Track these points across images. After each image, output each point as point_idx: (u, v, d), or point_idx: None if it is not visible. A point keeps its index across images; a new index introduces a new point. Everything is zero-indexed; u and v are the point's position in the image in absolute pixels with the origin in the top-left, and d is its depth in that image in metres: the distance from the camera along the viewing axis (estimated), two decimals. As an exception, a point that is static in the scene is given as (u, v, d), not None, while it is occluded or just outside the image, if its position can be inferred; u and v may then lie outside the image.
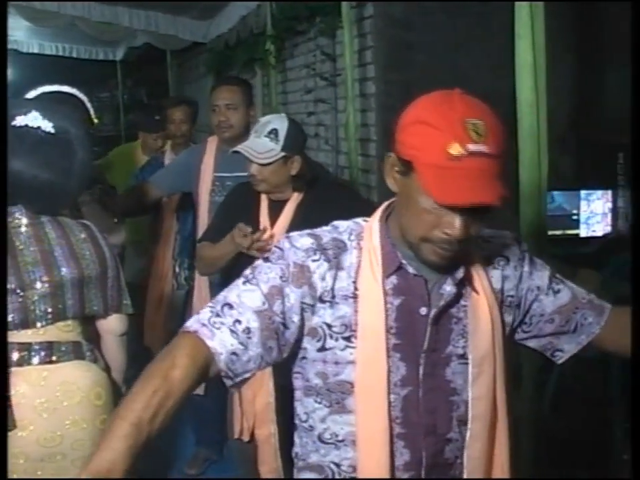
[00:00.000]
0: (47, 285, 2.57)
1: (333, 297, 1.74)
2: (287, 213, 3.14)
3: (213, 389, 3.99)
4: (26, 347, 2.55)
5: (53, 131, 2.62)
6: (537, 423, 2.93)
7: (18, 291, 2.53)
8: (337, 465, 1.81)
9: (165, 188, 4.24)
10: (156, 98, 12.14)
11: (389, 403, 1.73)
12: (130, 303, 2.81)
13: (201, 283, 3.96)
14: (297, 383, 1.86)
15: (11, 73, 10.63)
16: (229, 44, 8.24)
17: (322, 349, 1.76)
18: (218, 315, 1.70)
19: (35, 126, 2.61)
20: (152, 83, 13.21)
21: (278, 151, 3.07)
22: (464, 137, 1.56)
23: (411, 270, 1.73)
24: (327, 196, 3.16)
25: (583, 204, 5.16)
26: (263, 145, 3.07)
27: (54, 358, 2.58)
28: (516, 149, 2.73)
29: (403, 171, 1.66)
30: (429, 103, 1.64)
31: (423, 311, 1.74)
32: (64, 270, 2.60)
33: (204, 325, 1.68)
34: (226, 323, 1.68)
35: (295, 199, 3.16)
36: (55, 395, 2.55)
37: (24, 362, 2.54)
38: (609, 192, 5.18)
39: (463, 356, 1.77)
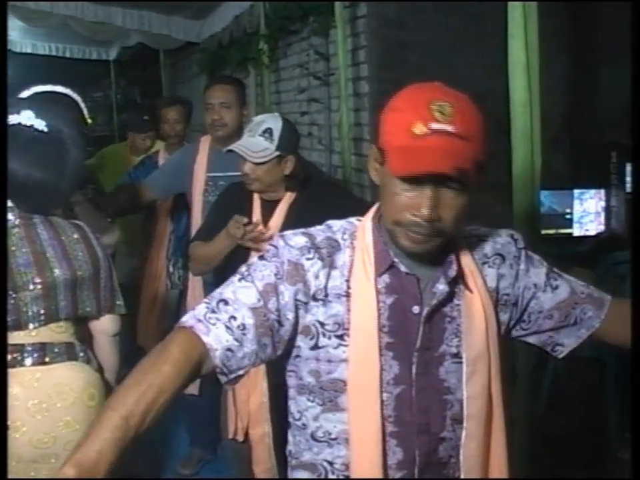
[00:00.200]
0: (39, 287, 2.56)
1: (326, 295, 1.74)
2: (280, 212, 3.14)
3: (207, 389, 3.99)
4: (18, 349, 2.55)
5: (46, 129, 2.62)
6: (532, 422, 2.93)
7: (10, 292, 2.52)
8: (330, 464, 1.81)
9: (159, 191, 4.24)
10: (149, 98, 12.13)
11: (382, 401, 1.73)
12: (123, 303, 2.80)
13: (195, 283, 3.96)
14: (291, 381, 1.86)
15: (4, 73, 10.58)
16: (222, 43, 8.24)
17: (315, 347, 1.76)
18: (213, 311, 1.69)
19: (28, 124, 2.60)
20: (145, 82, 13.20)
21: (272, 150, 3.07)
22: (428, 117, 1.59)
23: (402, 268, 1.73)
24: (320, 195, 3.16)
25: (576, 203, 5.17)
26: (258, 144, 3.07)
27: (47, 359, 2.58)
28: (509, 148, 2.74)
29: (380, 161, 1.70)
30: (402, 92, 1.69)
31: (416, 309, 1.74)
32: (56, 271, 2.59)
33: (199, 320, 1.68)
34: (221, 319, 1.68)
35: (287, 198, 3.16)
36: (47, 396, 2.54)
37: (17, 363, 2.53)
38: (602, 191, 5.20)
39: (457, 355, 1.76)
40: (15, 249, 2.55)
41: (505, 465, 1.84)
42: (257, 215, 3.17)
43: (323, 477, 1.83)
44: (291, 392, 1.87)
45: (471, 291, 1.77)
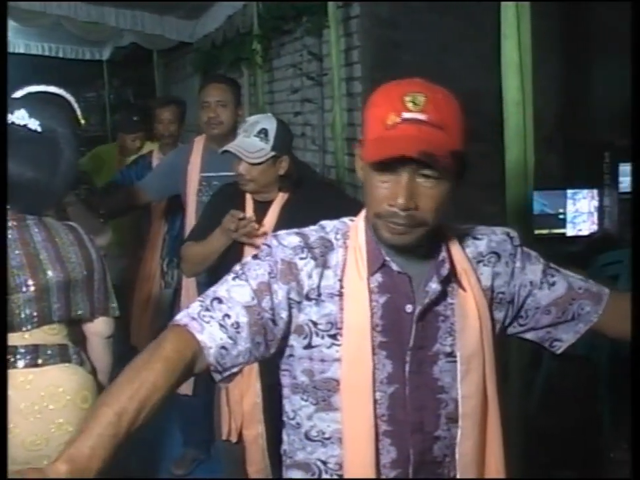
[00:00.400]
0: (32, 289, 2.55)
1: (319, 294, 1.75)
2: (273, 213, 3.13)
3: (201, 389, 3.99)
4: (11, 351, 2.53)
5: (39, 129, 2.62)
6: (525, 421, 2.94)
7: (3, 294, 2.51)
8: (324, 463, 1.81)
9: (154, 193, 4.24)
10: (142, 98, 12.12)
11: (375, 400, 1.73)
12: (117, 305, 2.79)
13: (189, 283, 3.96)
14: (285, 380, 1.86)
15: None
16: (216, 43, 8.24)
17: (308, 346, 1.76)
18: (207, 309, 1.70)
19: (22, 124, 2.60)
20: (138, 82, 13.19)
21: (268, 151, 3.07)
22: (400, 108, 1.62)
23: (394, 267, 1.74)
24: (313, 196, 3.16)
25: (569, 203, 5.18)
26: (253, 144, 3.07)
27: (39, 361, 2.57)
28: (502, 148, 2.74)
29: (362, 156, 1.71)
30: (379, 88, 1.71)
31: (409, 308, 1.74)
32: (50, 273, 2.58)
33: (193, 318, 1.68)
34: (215, 317, 1.68)
35: (280, 199, 3.16)
36: (40, 398, 2.53)
37: (9, 365, 2.52)
38: (594, 191, 5.20)
39: (451, 354, 1.76)
40: (8, 251, 2.54)
41: (501, 464, 1.84)
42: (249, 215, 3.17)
43: (316, 476, 1.83)
44: (285, 391, 1.87)
45: (464, 289, 1.77)
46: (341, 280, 1.75)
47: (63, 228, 2.68)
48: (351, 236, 1.80)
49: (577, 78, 5.57)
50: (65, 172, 2.65)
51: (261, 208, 3.13)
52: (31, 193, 2.58)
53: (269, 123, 3.13)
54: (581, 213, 5.20)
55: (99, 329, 2.77)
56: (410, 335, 1.74)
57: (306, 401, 1.80)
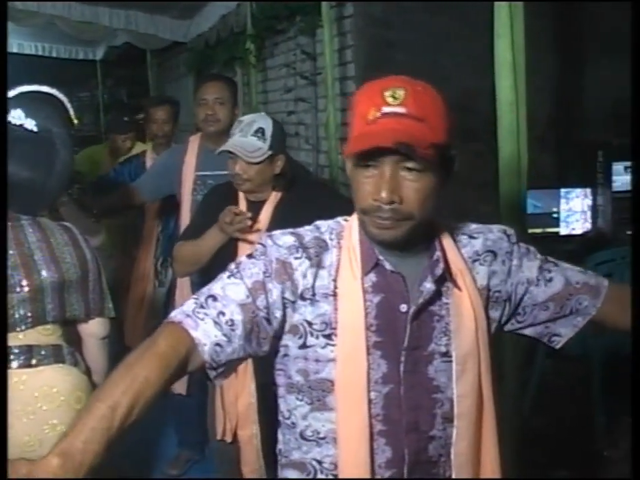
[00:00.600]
0: (26, 289, 2.55)
1: (314, 294, 1.75)
2: (266, 213, 3.13)
3: (195, 389, 3.99)
4: (5, 351, 2.54)
5: (35, 129, 2.61)
6: (519, 421, 2.94)
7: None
8: (319, 462, 1.81)
9: (149, 194, 4.24)
10: (136, 98, 12.11)
11: (369, 400, 1.73)
12: (112, 306, 2.79)
13: (183, 282, 3.95)
14: (280, 380, 1.86)
15: (-11, 73, 10.57)
16: (209, 43, 8.23)
17: (303, 346, 1.76)
18: (202, 307, 1.69)
19: (18, 124, 2.60)
20: (132, 82, 13.17)
21: (265, 150, 3.08)
22: (380, 102, 1.64)
23: (388, 266, 1.74)
24: (307, 195, 3.16)
25: (563, 202, 5.19)
26: (251, 144, 3.07)
27: (33, 362, 2.56)
28: (496, 147, 2.74)
29: (344, 153, 1.74)
30: (361, 87, 1.74)
31: (403, 308, 1.74)
32: (44, 273, 2.57)
33: (188, 315, 1.68)
34: (210, 314, 1.68)
35: (273, 198, 3.16)
36: (34, 399, 2.53)
37: (3, 366, 2.52)
38: (588, 190, 5.21)
39: (446, 354, 1.76)
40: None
41: (496, 463, 1.84)
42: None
43: (311, 476, 1.83)
44: (280, 390, 1.87)
45: (459, 289, 1.77)
46: (335, 280, 1.75)
47: (57, 228, 2.67)
48: (344, 236, 1.80)
49: (570, 77, 5.58)
50: (60, 172, 2.65)
51: (254, 207, 3.13)
52: (26, 193, 2.58)
53: (264, 122, 3.14)
54: (574, 211, 5.21)
55: (94, 329, 2.76)
56: (405, 335, 1.74)
57: (301, 400, 1.80)
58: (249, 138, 3.08)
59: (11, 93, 3.45)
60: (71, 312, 2.66)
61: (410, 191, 1.65)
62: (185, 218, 3.92)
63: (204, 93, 4.00)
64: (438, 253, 1.77)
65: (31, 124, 2.61)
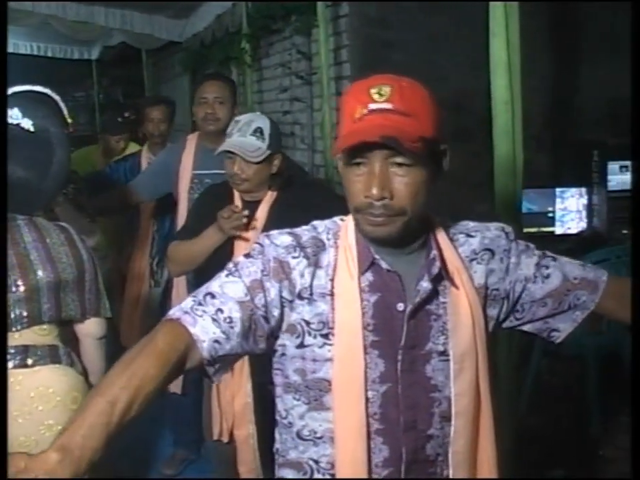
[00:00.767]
0: (22, 289, 2.54)
1: (311, 294, 1.75)
2: (262, 212, 3.13)
3: (190, 388, 3.99)
4: (1, 351, 2.53)
5: (32, 129, 2.61)
6: (515, 420, 2.94)
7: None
8: (316, 462, 1.81)
9: (146, 194, 4.24)
10: (132, 97, 12.09)
11: (367, 399, 1.73)
12: (108, 306, 2.78)
13: (179, 282, 3.95)
14: (277, 379, 1.86)
15: (-16, 73, 10.57)
16: (205, 43, 8.23)
17: (300, 345, 1.76)
18: (200, 304, 1.70)
19: (15, 123, 2.60)
20: (128, 82, 13.16)
21: (264, 149, 3.09)
22: (366, 100, 1.65)
23: (384, 265, 1.74)
24: (303, 195, 3.16)
25: (558, 201, 5.19)
26: (251, 143, 3.08)
27: (29, 362, 2.56)
28: (491, 147, 2.75)
29: (333, 153, 1.73)
30: (348, 88, 1.75)
31: (400, 306, 1.74)
32: (40, 273, 2.57)
33: (186, 312, 1.68)
34: (208, 312, 1.68)
35: (269, 198, 3.16)
36: (30, 399, 2.52)
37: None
38: (583, 189, 5.22)
39: (444, 353, 1.77)
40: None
41: (494, 462, 1.84)
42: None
43: (308, 475, 1.83)
44: (278, 390, 1.87)
45: (456, 287, 1.77)
46: (332, 280, 1.75)
47: (54, 228, 2.67)
48: (341, 235, 1.80)
49: (566, 77, 5.59)
50: (56, 172, 2.65)
51: (250, 207, 3.13)
52: (22, 193, 2.57)
53: (262, 121, 3.15)
54: (570, 211, 5.22)
55: (90, 329, 2.76)
56: (402, 334, 1.74)
57: (298, 400, 1.81)
58: (248, 137, 3.09)
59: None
60: (67, 312, 2.66)
61: (400, 186, 1.66)
62: (182, 217, 3.92)
63: (204, 92, 4.00)
64: (434, 252, 1.77)
65: (27, 123, 2.60)
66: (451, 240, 1.84)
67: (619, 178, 5.23)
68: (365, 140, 1.60)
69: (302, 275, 1.75)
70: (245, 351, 1.73)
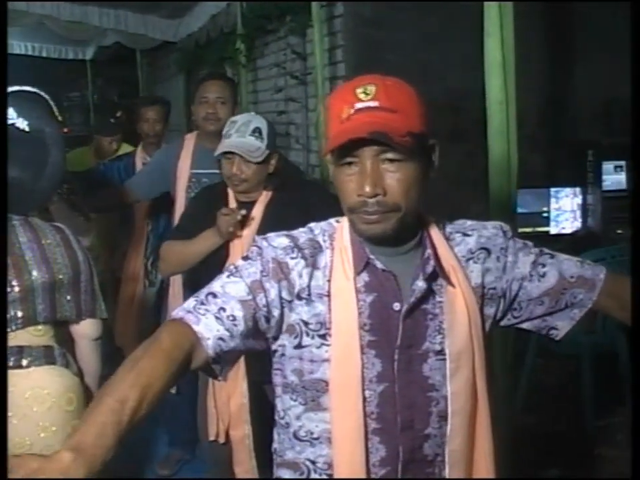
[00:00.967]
0: (17, 289, 2.54)
1: (309, 294, 1.75)
2: (257, 212, 3.13)
3: (185, 389, 3.98)
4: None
5: (27, 129, 2.61)
6: (510, 420, 2.94)
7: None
8: (313, 462, 1.82)
9: (143, 193, 4.23)
10: (126, 97, 12.09)
11: (364, 399, 1.74)
12: (104, 307, 2.78)
13: (175, 282, 3.94)
14: (277, 379, 1.86)
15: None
16: (199, 43, 8.23)
17: (298, 346, 1.77)
18: (202, 303, 1.70)
19: (10, 123, 2.59)
20: (122, 82, 13.15)
21: (264, 149, 3.10)
22: (352, 100, 1.67)
23: (379, 265, 1.75)
24: (298, 195, 3.16)
25: (552, 201, 5.20)
26: (251, 144, 3.08)
27: (24, 363, 2.55)
28: (486, 147, 2.75)
29: (323, 155, 1.76)
30: (333, 90, 1.76)
31: (396, 306, 1.74)
32: (35, 274, 2.56)
33: (189, 311, 1.68)
34: (210, 310, 1.68)
35: (264, 198, 3.16)
36: (25, 400, 2.52)
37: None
38: (577, 189, 5.23)
39: (441, 352, 1.77)
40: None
41: (491, 461, 1.84)
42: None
43: (305, 476, 1.84)
44: (277, 390, 1.88)
45: (453, 285, 1.77)
46: (329, 281, 1.76)
47: (49, 229, 2.66)
48: (336, 237, 1.81)
49: (560, 77, 5.59)
50: (51, 172, 2.65)
51: (245, 208, 3.12)
52: (17, 193, 2.57)
53: (260, 121, 3.16)
54: (564, 211, 5.23)
55: (86, 330, 2.75)
56: (398, 333, 1.74)
57: (295, 400, 1.81)
58: (247, 138, 3.09)
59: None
60: (63, 313, 2.65)
61: (393, 182, 1.67)
62: (178, 216, 3.92)
63: (205, 91, 3.99)
64: (429, 251, 1.77)
65: (22, 123, 2.60)
66: (448, 239, 1.84)
67: (613, 178, 5.24)
68: (354, 137, 1.61)
69: (300, 276, 1.75)
70: (248, 348, 1.74)
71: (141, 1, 7.68)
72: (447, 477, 1.81)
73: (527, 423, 4.08)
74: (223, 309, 1.69)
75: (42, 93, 3.45)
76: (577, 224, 5.24)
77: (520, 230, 3.30)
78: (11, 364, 2.53)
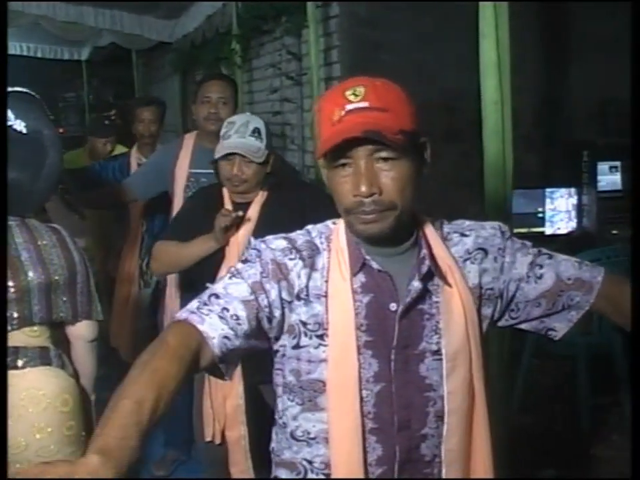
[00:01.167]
0: (12, 290, 2.54)
1: (307, 295, 1.76)
2: (253, 213, 3.13)
3: (181, 389, 3.97)
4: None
5: (25, 130, 2.61)
6: (506, 420, 2.94)
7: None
8: (309, 462, 1.82)
9: (140, 192, 4.23)
10: (122, 98, 12.08)
11: (361, 399, 1.74)
12: (100, 309, 2.78)
13: (172, 282, 3.93)
14: (277, 379, 1.87)
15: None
16: (195, 43, 8.23)
17: (296, 346, 1.78)
18: (205, 304, 1.71)
19: (7, 124, 2.59)
20: (118, 82, 13.14)
21: (264, 150, 3.10)
22: (343, 102, 1.68)
23: (375, 265, 1.75)
24: (294, 195, 3.16)
25: (548, 202, 5.20)
26: (252, 144, 3.08)
27: (19, 363, 2.55)
28: (481, 147, 2.75)
29: (317, 158, 1.76)
30: (322, 95, 1.77)
31: (393, 306, 1.75)
32: (30, 275, 2.56)
33: (192, 312, 1.69)
34: (214, 310, 1.69)
35: (260, 198, 3.16)
36: (20, 401, 2.52)
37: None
38: (572, 189, 5.23)
39: (438, 352, 1.77)
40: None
41: (489, 460, 1.84)
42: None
43: (302, 475, 1.84)
44: (278, 390, 1.88)
45: (449, 285, 1.78)
46: (327, 282, 1.77)
47: (46, 230, 2.66)
48: (333, 239, 1.82)
49: (555, 77, 5.60)
50: (49, 174, 2.64)
51: (241, 209, 3.12)
52: (15, 194, 2.56)
53: (258, 122, 3.16)
54: (559, 211, 5.23)
55: (82, 332, 2.75)
56: (394, 334, 1.75)
57: (292, 401, 1.82)
58: (248, 138, 3.09)
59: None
60: (58, 314, 2.65)
61: (388, 180, 1.67)
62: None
63: (207, 91, 3.99)
64: (424, 251, 1.78)
65: (20, 125, 2.60)
66: (445, 239, 1.84)
67: (608, 178, 5.25)
68: (348, 137, 1.62)
69: (299, 276, 1.76)
70: (252, 348, 1.75)
71: (136, 1, 7.67)
72: (444, 476, 1.81)
73: (523, 423, 4.08)
74: (226, 309, 1.70)
75: (33, 93, 3.44)
76: (572, 224, 5.25)
77: (515, 230, 3.30)
78: (7, 365, 2.52)
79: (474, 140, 2.90)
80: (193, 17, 8.01)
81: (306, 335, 1.76)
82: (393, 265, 1.77)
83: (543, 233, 5.18)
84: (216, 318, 1.68)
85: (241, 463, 3.21)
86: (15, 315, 2.55)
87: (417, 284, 1.75)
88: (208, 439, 3.26)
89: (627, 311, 1.80)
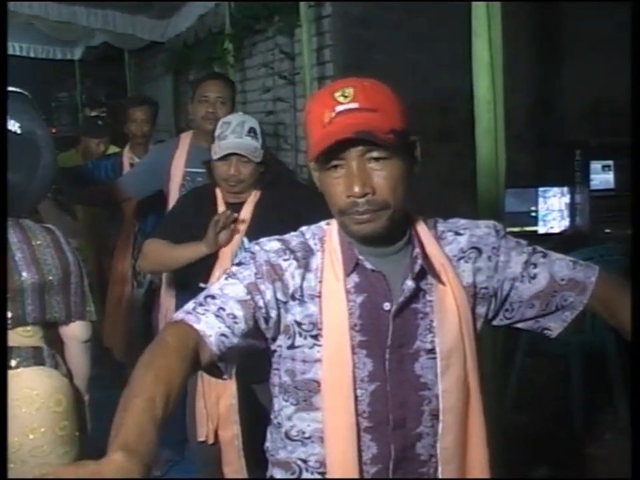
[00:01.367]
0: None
1: (302, 295, 1.77)
2: (246, 213, 3.12)
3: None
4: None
5: (19, 131, 2.60)
6: (500, 419, 2.94)
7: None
8: (304, 462, 1.83)
9: (135, 191, 4.22)
10: (114, 98, 12.07)
11: (356, 398, 1.74)
12: (94, 309, 2.77)
13: (166, 282, 3.93)
14: (274, 379, 1.87)
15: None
16: (187, 43, 8.22)
17: (291, 346, 1.78)
18: (201, 304, 1.71)
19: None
20: (110, 82, 13.12)
21: (260, 149, 3.09)
22: (332, 104, 1.68)
23: (368, 265, 1.75)
24: (287, 194, 3.16)
25: (540, 201, 5.21)
26: (249, 144, 3.08)
27: (13, 363, 2.55)
28: (474, 147, 2.75)
29: (309, 161, 1.77)
30: (311, 97, 1.76)
31: (386, 306, 1.75)
32: (24, 275, 2.56)
33: (188, 313, 1.69)
34: (210, 310, 1.69)
35: (252, 198, 3.15)
36: (13, 401, 2.51)
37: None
38: (565, 188, 5.24)
39: (432, 351, 1.77)
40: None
41: (485, 458, 1.85)
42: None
43: (296, 475, 1.84)
44: (274, 391, 1.88)
45: (443, 284, 1.78)
46: (321, 282, 1.77)
47: (39, 230, 2.66)
48: (327, 240, 1.82)
49: (548, 77, 5.61)
50: (43, 175, 2.64)
51: (234, 209, 3.12)
52: (10, 195, 2.56)
53: (252, 121, 3.16)
54: (552, 210, 5.25)
55: (75, 332, 2.74)
56: (388, 333, 1.75)
57: (287, 401, 1.82)
58: (244, 138, 3.08)
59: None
60: (52, 314, 2.65)
61: (380, 180, 1.68)
62: (167, 214, 3.91)
63: (206, 91, 3.99)
64: (417, 250, 1.78)
65: (14, 126, 2.59)
66: (440, 238, 1.85)
67: (601, 177, 5.26)
68: (341, 138, 1.62)
69: (293, 277, 1.77)
70: (250, 347, 1.76)
71: (129, 1, 7.67)
72: (440, 475, 1.81)
73: (516, 422, 4.09)
74: (223, 309, 1.70)
75: (26, 93, 3.43)
76: (565, 223, 5.26)
77: (508, 230, 3.30)
78: (0, 365, 2.53)
79: (467, 140, 2.91)
80: (186, 17, 8.00)
81: (300, 335, 1.77)
82: (387, 264, 1.77)
83: (536, 232, 5.19)
84: (212, 317, 1.68)
85: (234, 462, 3.21)
86: (9, 314, 2.55)
87: (410, 283, 1.75)
88: (201, 438, 3.25)
89: (620, 313, 1.80)
